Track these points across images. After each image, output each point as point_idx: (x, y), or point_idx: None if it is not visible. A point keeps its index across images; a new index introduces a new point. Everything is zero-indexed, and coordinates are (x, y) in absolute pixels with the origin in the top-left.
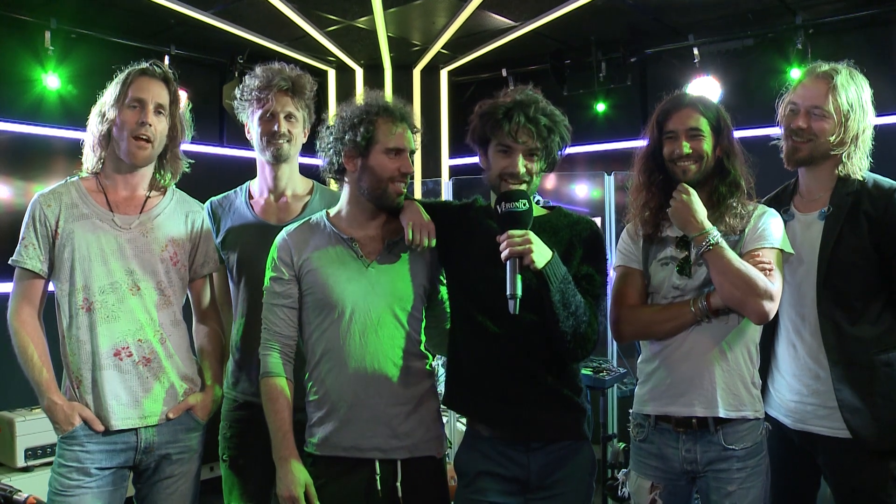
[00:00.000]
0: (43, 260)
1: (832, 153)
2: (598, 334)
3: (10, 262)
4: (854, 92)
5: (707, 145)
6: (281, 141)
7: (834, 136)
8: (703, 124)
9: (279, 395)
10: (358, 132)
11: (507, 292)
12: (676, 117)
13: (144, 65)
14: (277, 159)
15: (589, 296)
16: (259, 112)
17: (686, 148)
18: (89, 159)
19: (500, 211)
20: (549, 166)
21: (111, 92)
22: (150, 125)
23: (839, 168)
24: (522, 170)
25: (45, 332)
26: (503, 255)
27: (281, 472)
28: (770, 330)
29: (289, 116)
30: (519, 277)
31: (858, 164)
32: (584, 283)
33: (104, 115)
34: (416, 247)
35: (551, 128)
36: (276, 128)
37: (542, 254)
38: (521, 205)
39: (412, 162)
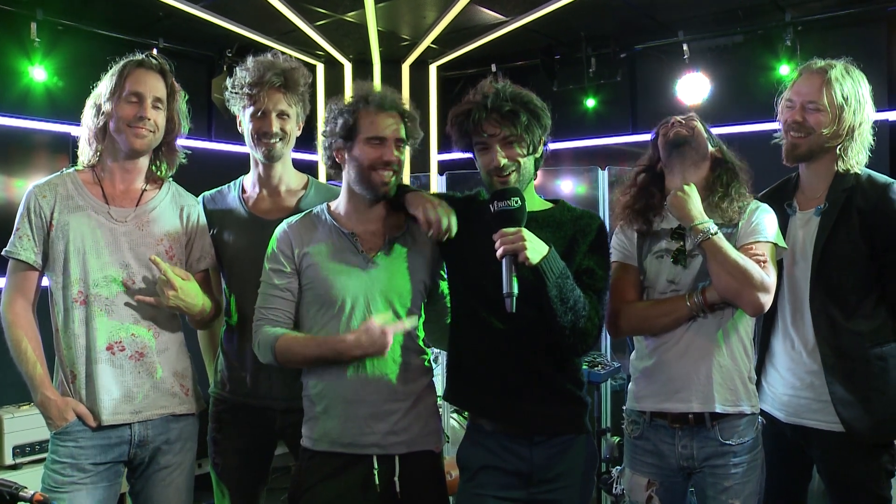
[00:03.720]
0: (37, 251)
1: (827, 146)
2: (599, 329)
3: (3, 252)
4: (850, 86)
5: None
6: (273, 140)
7: (828, 129)
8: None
9: (295, 336)
10: (339, 123)
11: (504, 291)
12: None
13: (141, 56)
14: (270, 159)
15: (590, 290)
16: (251, 109)
17: (683, 131)
18: (85, 152)
19: (493, 210)
20: (533, 148)
21: (106, 84)
22: (150, 119)
23: (838, 163)
24: (503, 161)
25: (39, 325)
26: (497, 253)
27: (356, 336)
28: (766, 325)
29: (281, 114)
30: (514, 278)
31: (855, 159)
32: (584, 277)
33: (100, 108)
34: (436, 230)
35: (516, 111)
36: (268, 127)
37: (536, 249)
38: (514, 202)
39: (402, 152)
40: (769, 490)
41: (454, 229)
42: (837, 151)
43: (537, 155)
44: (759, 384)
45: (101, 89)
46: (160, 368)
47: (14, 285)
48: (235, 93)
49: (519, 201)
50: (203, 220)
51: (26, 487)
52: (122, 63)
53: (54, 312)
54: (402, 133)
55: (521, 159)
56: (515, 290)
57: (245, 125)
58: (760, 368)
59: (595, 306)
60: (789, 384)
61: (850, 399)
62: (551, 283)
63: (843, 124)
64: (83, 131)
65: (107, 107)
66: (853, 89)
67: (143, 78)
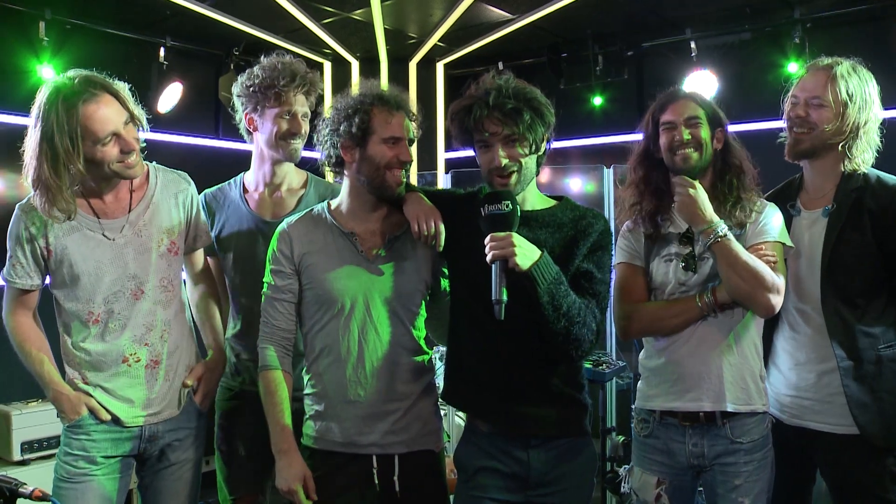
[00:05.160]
0: (33, 275)
1: (830, 143)
2: (596, 334)
3: (0, 277)
4: (856, 83)
5: (705, 133)
6: (298, 141)
7: (830, 126)
8: (701, 113)
9: (278, 388)
10: (353, 123)
11: (493, 297)
12: (673, 108)
13: (76, 85)
14: (292, 159)
15: (588, 294)
16: (276, 110)
17: (686, 134)
18: (57, 204)
19: (483, 213)
20: (536, 147)
21: (49, 129)
22: (134, 149)
23: (844, 163)
24: (504, 161)
25: (44, 324)
26: (487, 258)
27: (280, 464)
28: (767, 325)
29: (304, 115)
30: (503, 287)
31: (861, 158)
32: (582, 280)
33: (57, 157)
34: (425, 240)
35: (519, 109)
36: (297, 128)
37: (526, 255)
38: (505, 206)
39: (410, 151)
40: (774, 491)
41: (441, 245)
42: (841, 149)
43: (540, 153)
44: None
45: (40, 137)
46: (174, 368)
47: (14, 299)
48: (255, 92)
49: (510, 205)
50: (197, 200)
51: (26, 484)
52: (60, 103)
53: (64, 327)
54: (412, 133)
55: (522, 159)
56: (504, 298)
57: (266, 126)
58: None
59: (592, 311)
60: (792, 385)
61: (865, 401)
62: (542, 290)
63: (847, 121)
64: (33, 180)
65: (67, 150)
66: (859, 87)
67: (103, 114)
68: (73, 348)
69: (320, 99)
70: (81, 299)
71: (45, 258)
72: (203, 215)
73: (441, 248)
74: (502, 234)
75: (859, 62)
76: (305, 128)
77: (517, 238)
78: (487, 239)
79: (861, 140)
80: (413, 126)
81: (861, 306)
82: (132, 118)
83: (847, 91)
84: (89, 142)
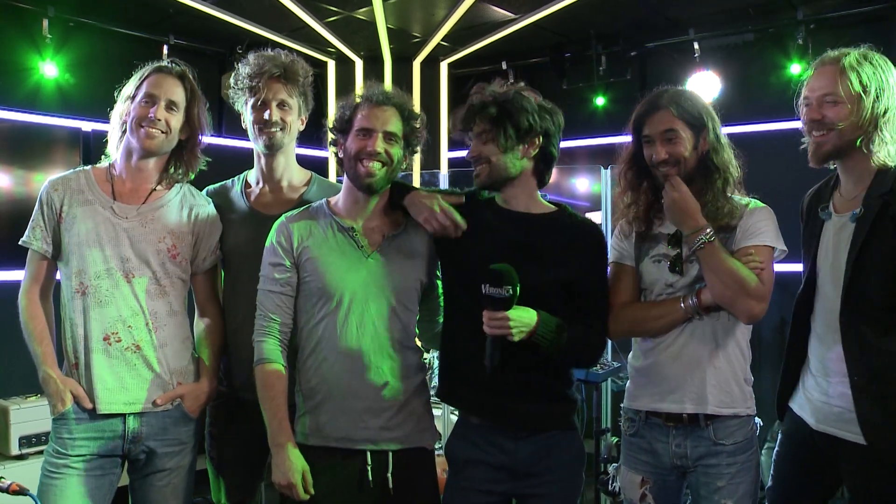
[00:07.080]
0: (48, 241)
1: (851, 139)
2: (602, 346)
3: (20, 242)
4: (869, 72)
5: (685, 147)
6: (273, 129)
7: (845, 122)
8: (679, 125)
9: (274, 381)
10: (339, 118)
11: (486, 362)
12: (650, 122)
13: (163, 63)
14: (270, 148)
15: (591, 311)
16: (251, 100)
17: (662, 153)
18: (112, 152)
19: (483, 292)
20: (510, 145)
21: (127, 88)
22: (160, 119)
23: (873, 159)
24: (475, 152)
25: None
26: (485, 329)
27: (278, 458)
28: (802, 328)
29: (281, 104)
30: (497, 357)
31: (885, 151)
32: (582, 295)
33: (120, 111)
34: (449, 231)
35: (491, 109)
36: (266, 116)
37: (522, 330)
38: (506, 291)
39: (392, 145)
40: (797, 499)
41: (463, 226)
42: (859, 145)
43: (517, 155)
44: (796, 387)
45: (123, 92)
46: (157, 363)
47: (30, 273)
48: (238, 88)
49: (511, 290)
50: (213, 220)
51: (3, 478)
52: (143, 68)
53: (60, 301)
54: (394, 127)
55: (495, 154)
56: (496, 363)
57: (246, 118)
58: (799, 371)
59: (596, 328)
60: (822, 390)
61: (877, 421)
62: (546, 345)
63: (863, 114)
64: (110, 133)
65: (123, 109)
66: (874, 76)
67: (159, 81)
68: (65, 324)
69: (323, 97)
70: (74, 270)
71: (57, 223)
72: (216, 239)
73: (463, 229)
74: (499, 314)
75: (871, 48)
76: (283, 116)
77: (513, 317)
78: (485, 316)
79: (882, 132)
80: (399, 122)
81: (884, 321)
82: (187, 112)
83: (860, 81)
84: (134, 98)
